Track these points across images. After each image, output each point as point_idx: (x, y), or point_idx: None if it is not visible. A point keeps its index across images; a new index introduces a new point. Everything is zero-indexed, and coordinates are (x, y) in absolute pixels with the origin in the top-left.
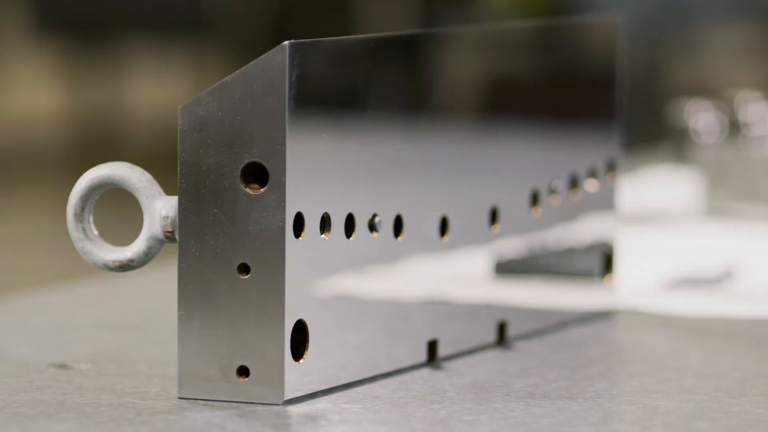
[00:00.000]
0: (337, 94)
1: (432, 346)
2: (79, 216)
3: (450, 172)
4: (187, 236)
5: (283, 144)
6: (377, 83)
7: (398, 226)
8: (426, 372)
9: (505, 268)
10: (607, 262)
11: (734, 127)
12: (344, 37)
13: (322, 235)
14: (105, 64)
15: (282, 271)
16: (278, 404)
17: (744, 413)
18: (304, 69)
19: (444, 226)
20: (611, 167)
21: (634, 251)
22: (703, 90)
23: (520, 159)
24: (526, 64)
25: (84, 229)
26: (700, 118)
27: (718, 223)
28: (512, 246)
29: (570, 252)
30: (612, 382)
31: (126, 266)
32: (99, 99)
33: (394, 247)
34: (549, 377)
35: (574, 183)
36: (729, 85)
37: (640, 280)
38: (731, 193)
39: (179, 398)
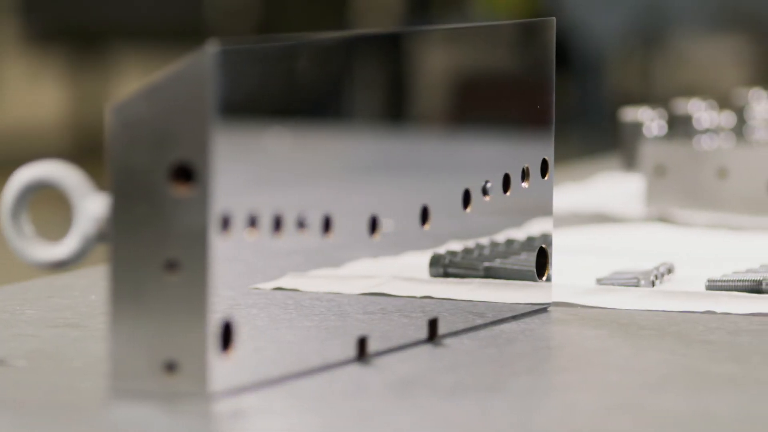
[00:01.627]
0: (268, 96)
1: (363, 343)
2: (14, 215)
3: (389, 171)
4: (116, 235)
5: (210, 145)
6: (312, 85)
7: (330, 225)
8: (355, 368)
9: (443, 266)
10: (542, 260)
11: (682, 132)
12: (276, 36)
13: (250, 234)
14: (100, 72)
15: (208, 268)
16: (206, 398)
17: (664, 408)
18: (234, 70)
19: (374, 225)
20: (545, 168)
21: (573, 250)
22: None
23: (457, 159)
24: (471, 66)
25: (18, 228)
26: (651, 124)
27: (659, 224)
28: (449, 244)
29: (506, 250)
30: (537, 378)
31: (59, 264)
32: (94, 106)
33: (332, 246)
34: (475, 373)
35: (508, 183)
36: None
37: (576, 278)
38: (674, 195)
39: (109, 394)
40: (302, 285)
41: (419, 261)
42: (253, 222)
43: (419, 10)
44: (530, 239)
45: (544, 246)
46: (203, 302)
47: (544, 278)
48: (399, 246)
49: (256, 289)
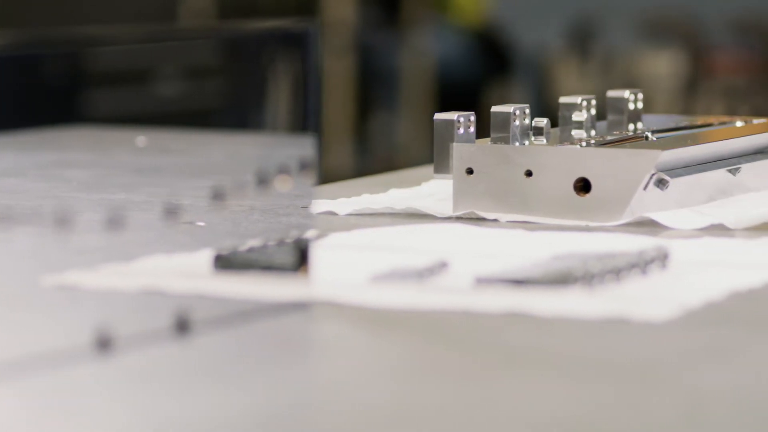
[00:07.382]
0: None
1: (106, 337)
2: None
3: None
4: None
5: None
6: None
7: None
8: (95, 363)
9: (225, 263)
10: (307, 257)
11: (499, 133)
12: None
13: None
14: None
15: None
16: None
17: (369, 403)
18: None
19: (115, 223)
20: (304, 167)
21: (361, 248)
22: None
23: (220, 159)
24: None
25: None
26: (461, 125)
27: (461, 223)
28: (215, 241)
29: (293, 248)
30: (267, 372)
31: None
32: None
33: (132, 242)
34: (211, 368)
35: (264, 182)
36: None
37: (351, 275)
38: (482, 195)
39: None
40: (85, 280)
41: (208, 258)
42: (63, 220)
43: (390, 12)
44: (294, 234)
45: (306, 242)
46: None
47: (305, 274)
48: (202, 243)
49: (37, 284)
